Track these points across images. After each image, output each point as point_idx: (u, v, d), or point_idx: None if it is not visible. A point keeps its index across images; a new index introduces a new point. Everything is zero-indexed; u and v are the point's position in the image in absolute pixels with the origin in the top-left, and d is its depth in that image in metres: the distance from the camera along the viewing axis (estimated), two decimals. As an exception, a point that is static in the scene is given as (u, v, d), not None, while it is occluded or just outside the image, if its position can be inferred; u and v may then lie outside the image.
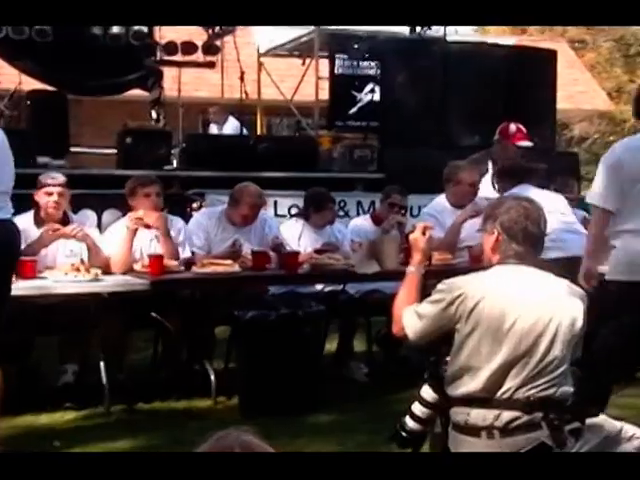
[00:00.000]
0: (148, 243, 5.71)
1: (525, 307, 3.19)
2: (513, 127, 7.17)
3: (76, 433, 4.90)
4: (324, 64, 10.67)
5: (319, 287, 6.36)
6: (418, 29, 10.67)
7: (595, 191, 4.64)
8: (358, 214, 8.60)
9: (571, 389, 3.22)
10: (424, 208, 6.89)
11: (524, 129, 7.21)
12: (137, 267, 5.47)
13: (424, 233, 3.62)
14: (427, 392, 3.33)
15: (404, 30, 10.88)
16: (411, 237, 3.66)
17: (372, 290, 6.35)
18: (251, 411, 5.20)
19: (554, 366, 3.16)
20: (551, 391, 3.14)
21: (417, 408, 3.33)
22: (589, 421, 3.18)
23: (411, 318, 3.35)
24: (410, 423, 3.32)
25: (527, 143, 7.15)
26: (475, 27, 25.78)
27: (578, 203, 7.87)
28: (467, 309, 3.21)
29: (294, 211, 8.26)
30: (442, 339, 3.37)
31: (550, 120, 11.30)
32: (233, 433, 1.79)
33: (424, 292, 3.45)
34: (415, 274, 3.53)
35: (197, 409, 5.38)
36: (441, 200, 6.59)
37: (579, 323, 3.22)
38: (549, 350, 3.15)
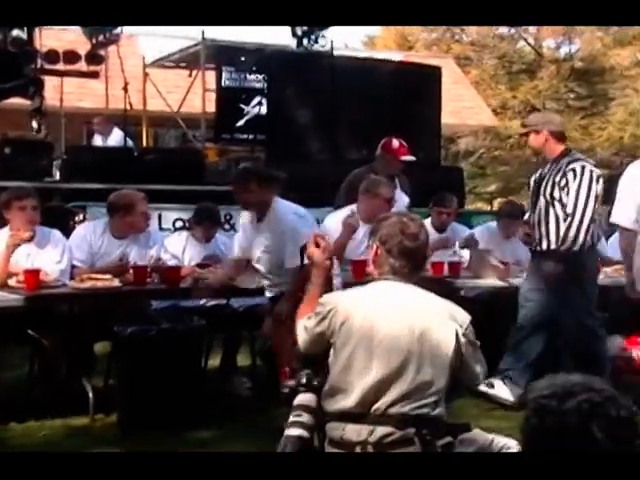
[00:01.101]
0: (25, 258, 5.53)
1: (394, 324, 3.19)
2: (396, 142, 7.23)
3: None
4: (212, 76, 10.60)
5: (203, 301, 6.28)
6: (305, 42, 10.67)
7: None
8: (244, 227, 8.52)
9: (444, 410, 3.24)
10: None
11: (406, 144, 7.29)
12: (12, 282, 5.30)
13: (318, 245, 3.59)
14: (303, 399, 3.33)
15: (291, 44, 10.87)
16: (307, 253, 3.63)
17: (257, 304, 6.30)
18: (130, 427, 5.08)
19: (427, 386, 3.17)
20: (425, 410, 3.15)
21: (298, 416, 3.32)
22: (462, 435, 3.21)
23: (300, 330, 3.40)
24: (295, 432, 3.30)
25: (410, 157, 7.23)
26: (364, 41, 26.15)
27: (459, 217, 8.00)
28: (338, 323, 3.23)
29: (179, 224, 8.16)
30: (325, 353, 3.38)
31: (435, 135, 11.48)
32: None
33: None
34: (315, 287, 3.52)
35: (74, 427, 5.22)
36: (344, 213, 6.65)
37: (451, 345, 3.20)
38: (419, 369, 3.16)
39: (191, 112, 11.77)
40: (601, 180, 5.58)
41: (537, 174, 5.83)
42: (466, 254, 6.95)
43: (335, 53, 11.32)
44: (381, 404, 3.14)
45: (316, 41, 10.65)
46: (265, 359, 6.48)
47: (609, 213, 9.90)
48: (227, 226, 8.35)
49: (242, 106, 10.22)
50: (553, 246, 5.62)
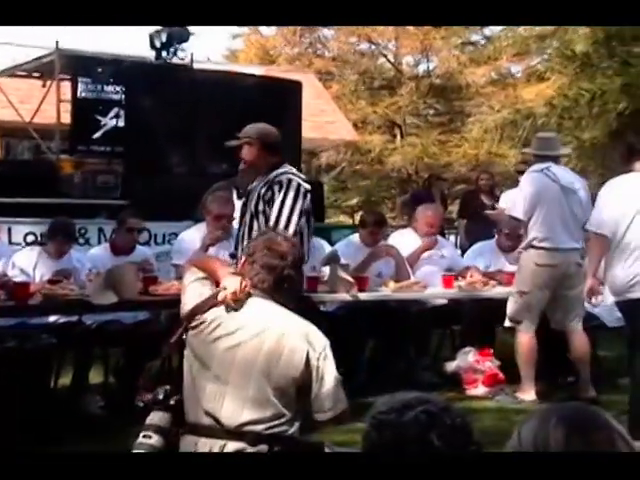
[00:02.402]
0: None
1: (242, 341, 3.18)
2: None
3: None
4: (67, 86, 10.33)
5: (53, 318, 6.10)
6: (164, 54, 10.53)
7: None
8: (100, 242, 8.35)
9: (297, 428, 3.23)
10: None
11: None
12: None
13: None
14: (155, 418, 3.26)
15: (150, 55, 10.71)
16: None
17: (110, 320, 6.17)
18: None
19: (276, 405, 3.15)
20: (278, 429, 3.15)
21: (147, 437, 3.25)
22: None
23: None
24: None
25: None
26: (226, 55, 26.10)
27: (319, 232, 8.04)
28: (189, 337, 3.24)
29: (30, 239, 7.90)
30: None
31: (296, 149, 11.51)
32: None
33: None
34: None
35: None
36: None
37: (300, 368, 3.17)
38: (268, 388, 3.15)
39: (45, 123, 11.43)
40: (309, 195, 5.42)
41: (250, 187, 5.63)
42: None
43: (195, 66, 11.24)
44: (233, 421, 3.13)
45: (175, 53, 10.53)
46: (118, 377, 6.35)
47: (466, 227, 10.20)
48: (82, 240, 8.14)
49: (99, 118, 9.97)
50: None
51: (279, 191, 5.31)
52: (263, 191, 5.38)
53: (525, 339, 6.44)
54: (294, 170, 5.56)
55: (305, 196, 5.36)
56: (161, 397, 3.31)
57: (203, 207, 6.75)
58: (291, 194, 5.30)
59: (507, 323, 6.59)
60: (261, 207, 5.38)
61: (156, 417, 3.29)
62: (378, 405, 1.90)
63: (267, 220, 5.32)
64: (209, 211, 6.56)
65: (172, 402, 3.29)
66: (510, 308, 6.51)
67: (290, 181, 5.35)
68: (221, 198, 6.70)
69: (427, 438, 1.79)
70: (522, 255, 6.51)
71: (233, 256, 5.54)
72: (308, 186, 5.46)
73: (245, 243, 5.35)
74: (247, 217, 5.49)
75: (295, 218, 5.28)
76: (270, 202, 5.34)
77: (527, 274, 6.41)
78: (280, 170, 5.43)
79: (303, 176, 5.64)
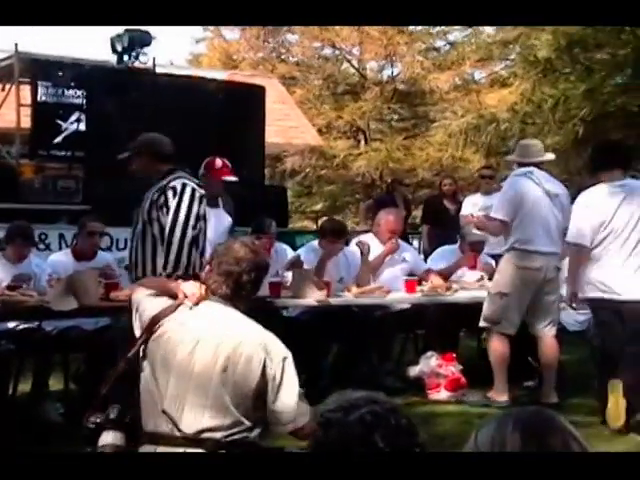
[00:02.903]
0: None
1: (201, 348, 3.15)
2: (219, 162, 7.20)
3: None
4: (27, 90, 10.21)
5: (12, 324, 6.02)
6: (126, 58, 10.45)
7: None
8: (60, 248, 8.27)
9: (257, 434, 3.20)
10: None
11: (229, 164, 7.26)
12: None
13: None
14: (108, 439, 3.21)
15: (111, 59, 10.62)
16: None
17: (71, 327, 6.11)
18: None
19: (233, 413, 3.13)
20: (238, 436, 3.12)
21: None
22: None
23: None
24: None
25: (232, 178, 7.21)
26: (189, 59, 26.01)
27: (283, 237, 8.04)
28: (150, 344, 3.22)
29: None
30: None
31: (259, 154, 11.49)
32: None
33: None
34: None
35: None
36: None
37: (256, 376, 3.14)
38: (224, 396, 3.12)
39: (5, 127, 11.28)
40: (204, 200, 5.31)
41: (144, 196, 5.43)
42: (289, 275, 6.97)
43: (158, 70, 11.16)
44: (193, 428, 3.10)
45: (137, 57, 10.44)
46: (78, 383, 6.29)
47: (428, 232, 10.23)
48: (42, 246, 8.05)
49: (59, 122, 9.85)
50: (149, 272, 5.18)
51: (173, 197, 5.13)
52: (155, 197, 5.21)
53: (499, 341, 6.44)
54: (188, 176, 5.38)
55: (201, 201, 5.23)
56: (113, 416, 3.26)
57: None
58: (186, 199, 5.14)
59: (482, 323, 6.58)
60: (154, 214, 5.20)
61: (109, 437, 3.24)
62: (327, 403, 1.91)
63: (162, 227, 5.16)
64: None
65: (127, 420, 3.25)
66: (487, 309, 6.50)
67: (184, 186, 5.18)
68: None
69: (371, 438, 1.79)
70: (503, 257, 6.55)
71: (127, 267, 5.45)
72: (203, 191, 5.32)
73: (138, 252, 5.25)
74: (139, 225, 5.31)
75: (192, 223, 5.14)
76: (163, 208, 5.15)
77: (507, 276, 6.42)
78: (173, 176, 5.26)
79: (197, 180, 5.50)
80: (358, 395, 1.90)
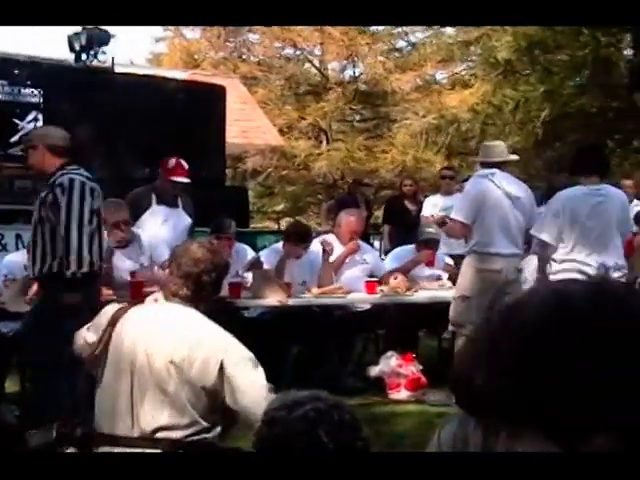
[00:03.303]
0: None
1: (159, 348, 3.14)
2: (173, 162, 7.17)
3: None
4: (-17, 89, 10.08)
5: (-33, 327, 5.94)
6: (84, 57, 10.34)
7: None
8: (17, 248, 8.16)
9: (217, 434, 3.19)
10: None
11: (184, 164, 7.22)
12: None
13: None
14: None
15: (69, 58, 10.51)
16: None
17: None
18: None
19: (191, 413, 3.11)
20: (197, 437, 3.11)
21: None
22: None
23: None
24: None
25: (183, 179, 7.19)
26: (149, 59, 25.85)
27: (243, 237, 8.01)
28: (111, 343, 3.21)
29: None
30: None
31: (220, 154, 11.43)
32: None
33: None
34: None
35: None
36: None
37: (213, 376, 3.11)
38: (181, 396, 3.10)
39: (-38, 126, 11.14)
40: (96, 193, 5.14)
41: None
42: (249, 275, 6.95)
43: (117, 69, 11.06)
44: (150, 426, 3.08)
45: (95, 56, 10.33)
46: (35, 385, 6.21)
47: (389, 232, 10.26)
48: (-1, 247, 7.96)
49: (16, 121, 9.73)
50: (55, 268, 5.01)
51: (62, 194, 4.96)
52: (44, 195, 5.05)
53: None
54: (80, 170, 5.16)
55: (92, 194, 5.06)
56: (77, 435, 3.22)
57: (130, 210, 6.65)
58: (76, 194, 4.98)
59: (450, 327, 6.58)
60: (44, 213, 5.02)
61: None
62: (272, 402, 1.97)
63: (54, 226, 4.98)
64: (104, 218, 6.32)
65: (79, 435, 3.21)
66: (452, 312, 6.50)
67: (72, 181, 5.00)
68: (111, 203, 6.42)
69: (315, 434, 1.84)
70: (464, 260, 6.55)
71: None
72: (94, 184, 5.14)
73: (39, 253, 5.06)
74: (34, 225, 5.13)
75: (87, 218, 4.99)
76: (53, 206, 4.98)
77: (468, 279, 6.42)
78: (61, 172, 5.07)
79: (87, 174, 5.22)
80: (302, 394, 1.95)
